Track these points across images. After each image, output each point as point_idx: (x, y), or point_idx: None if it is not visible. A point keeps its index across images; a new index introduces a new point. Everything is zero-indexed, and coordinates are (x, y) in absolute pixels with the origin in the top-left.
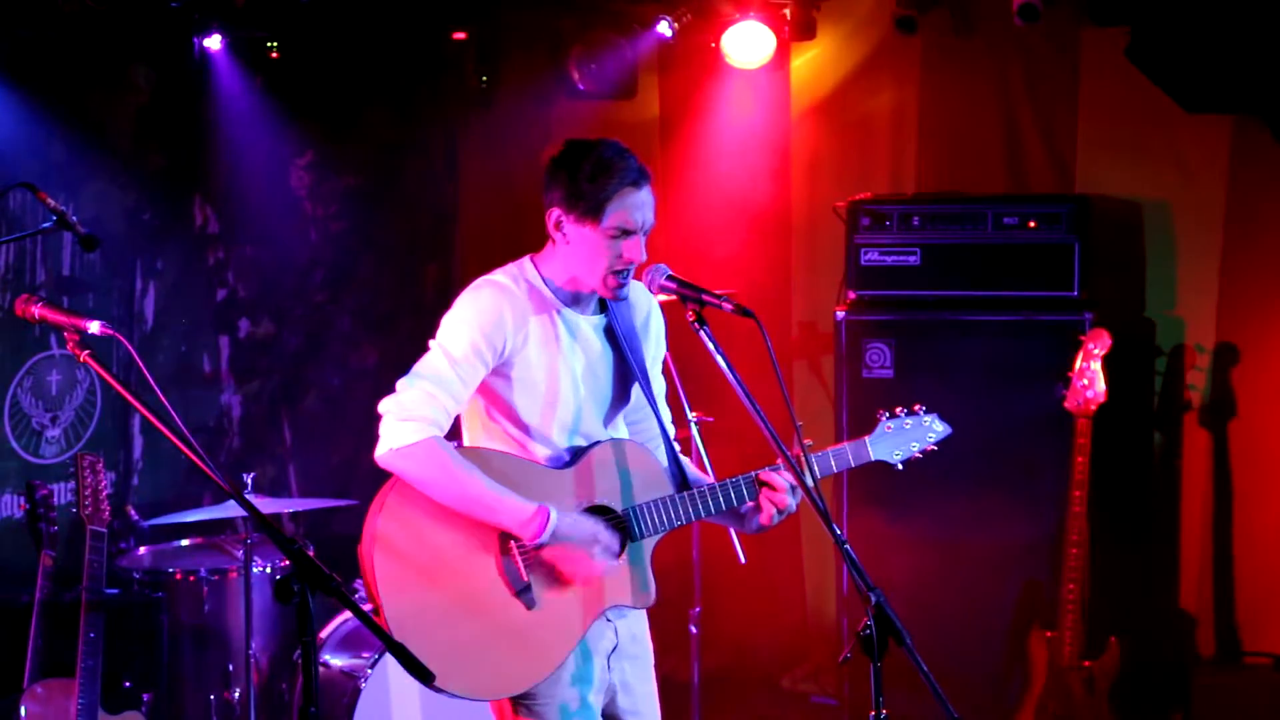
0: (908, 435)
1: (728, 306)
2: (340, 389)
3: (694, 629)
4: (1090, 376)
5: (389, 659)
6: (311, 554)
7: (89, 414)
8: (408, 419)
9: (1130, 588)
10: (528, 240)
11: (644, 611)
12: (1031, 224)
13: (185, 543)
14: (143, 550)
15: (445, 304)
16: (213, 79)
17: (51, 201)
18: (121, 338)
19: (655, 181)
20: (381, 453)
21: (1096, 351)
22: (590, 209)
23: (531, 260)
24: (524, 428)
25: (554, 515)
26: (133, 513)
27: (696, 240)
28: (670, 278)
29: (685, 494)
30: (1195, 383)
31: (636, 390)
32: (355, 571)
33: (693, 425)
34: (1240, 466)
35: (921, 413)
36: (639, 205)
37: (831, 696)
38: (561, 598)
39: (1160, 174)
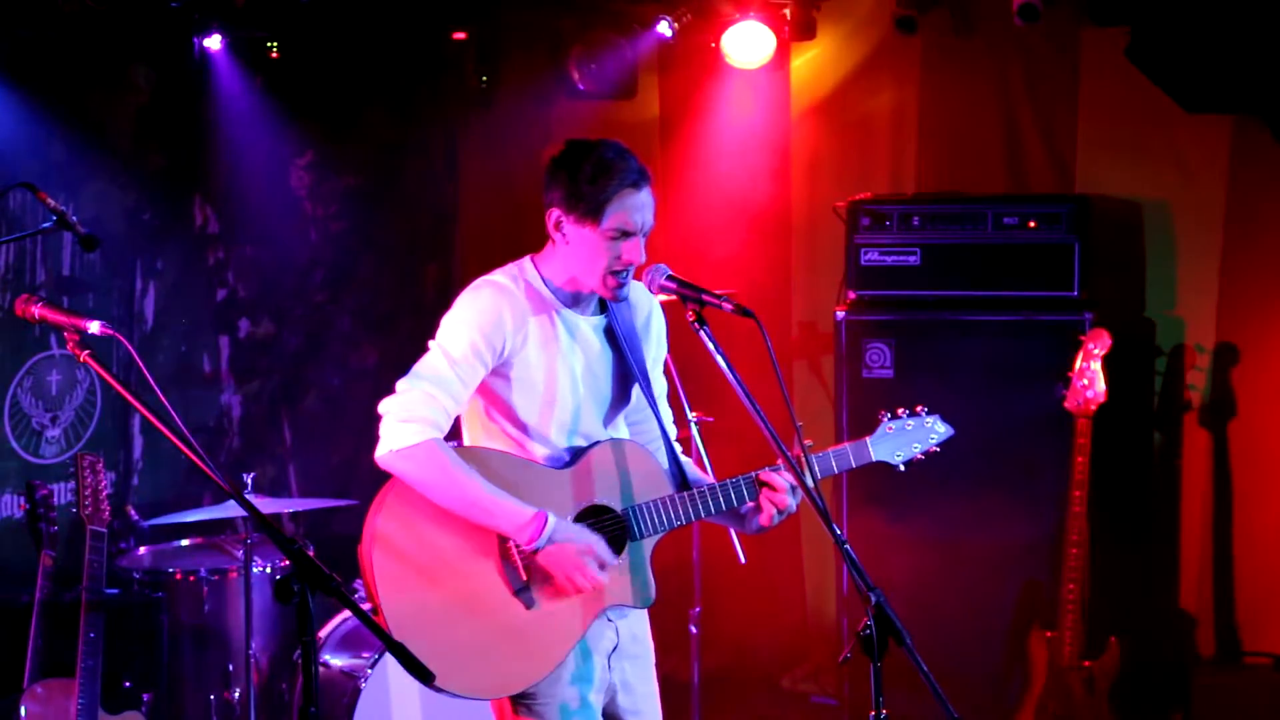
0: (909, 436)
1: (728, 306)
2: (340, 389)
3: (694, 629)
4: (1090, 376)
5: (389, 659)
6: (311, 554)
7: (89, 414)
8: (408, 420)
9: (1130, 588)
10: (528, 240)
11: (645, 611)
12: (1031, 224)
13: (185, 543)
14: (143, 550)
15: (445, 304)
16: (213, 79)
17: (51, 201)
18: (121, 338)
19: (655, 181)
20: (381, 453)
21: (1096, 351)
22: (590, 210)
23: (531, 260)
24: (523, 427)
25: (551, 521)
26: (133, 513)
27: (696, 240)
28: (670, 278)
29: (685, 494)
30: (1195, 383)
31: (637, 391)
32: (355, 571)
33: (693, 425)
34: (1240, 466)
35: (923, 414)
36: (639, 207)
37: (831, 696)
38: (561, 597)
39: (1160, 174)
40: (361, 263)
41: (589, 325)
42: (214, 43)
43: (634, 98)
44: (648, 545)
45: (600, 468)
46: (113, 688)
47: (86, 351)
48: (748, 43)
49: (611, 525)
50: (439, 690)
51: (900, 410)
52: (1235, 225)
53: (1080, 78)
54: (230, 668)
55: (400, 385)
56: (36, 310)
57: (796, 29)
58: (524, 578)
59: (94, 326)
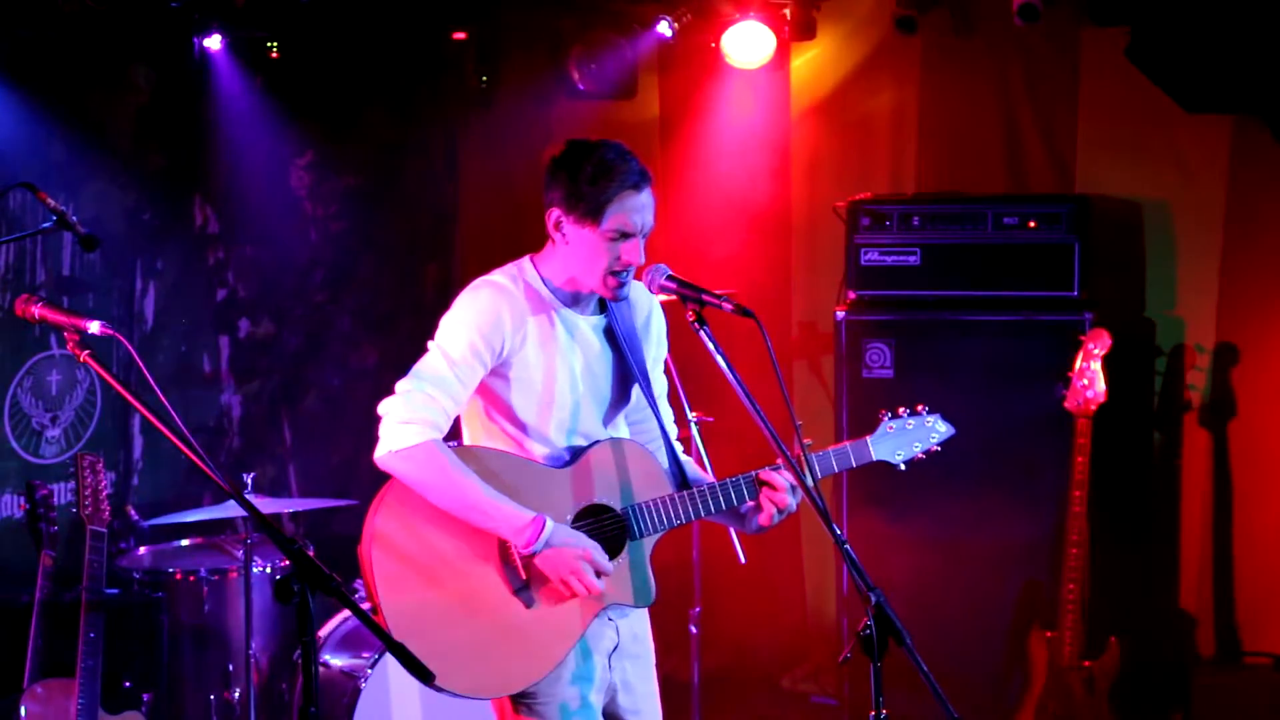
0: (910, 435)
1: (728, 306)
2: (340, 389)
3: (694, 629)
4: (1090, 376)
5: (389, 659)
6: (311, 554)
7: (89, 414)
8: (407, 421)
9: (1130, 588)
10: (528, 240)
11: (645, 610)
12: (1031, 224)
13: (185, 543)
14: (143, 550)
15: (445, 304)
16: (213, 79)
17: (51, 201)
18: (121, 338)
19: (655, 181)
20: (380, 454)
21: (1096, 351)
22: (590, 211)
23: (531, 260)
24: (522, 427)
25: (549, 525)
26: (133, 513)
27: (696, 240)
28: (670, 278)
29: (685, 493)
30: (1195, 383)
31: (637, 390)
32: (355, 571)
33: (693, 425)
34: (1240, 466)
35: (924, 413)
36: (639, 208)
37: (831, 696)
38: (560, 596)
39: (1160, 174)
40: (361, 263)
41: (588, 325)
42: (214, 43)
43: (634, 98)
44: (648, 544)
45: (600, 467)
46: (113, 688)
47: (86, 351)
48: (748, 43)
49: (611, 524)
50: (439, 690)
51: (901, 409)
52: (1235, 225)
53: (1080, 78)
54: (230, 668)
55: (399, 386)
56: (36, 310)
57: (796, 29)
58: (524, 577)
59: (94, 326)
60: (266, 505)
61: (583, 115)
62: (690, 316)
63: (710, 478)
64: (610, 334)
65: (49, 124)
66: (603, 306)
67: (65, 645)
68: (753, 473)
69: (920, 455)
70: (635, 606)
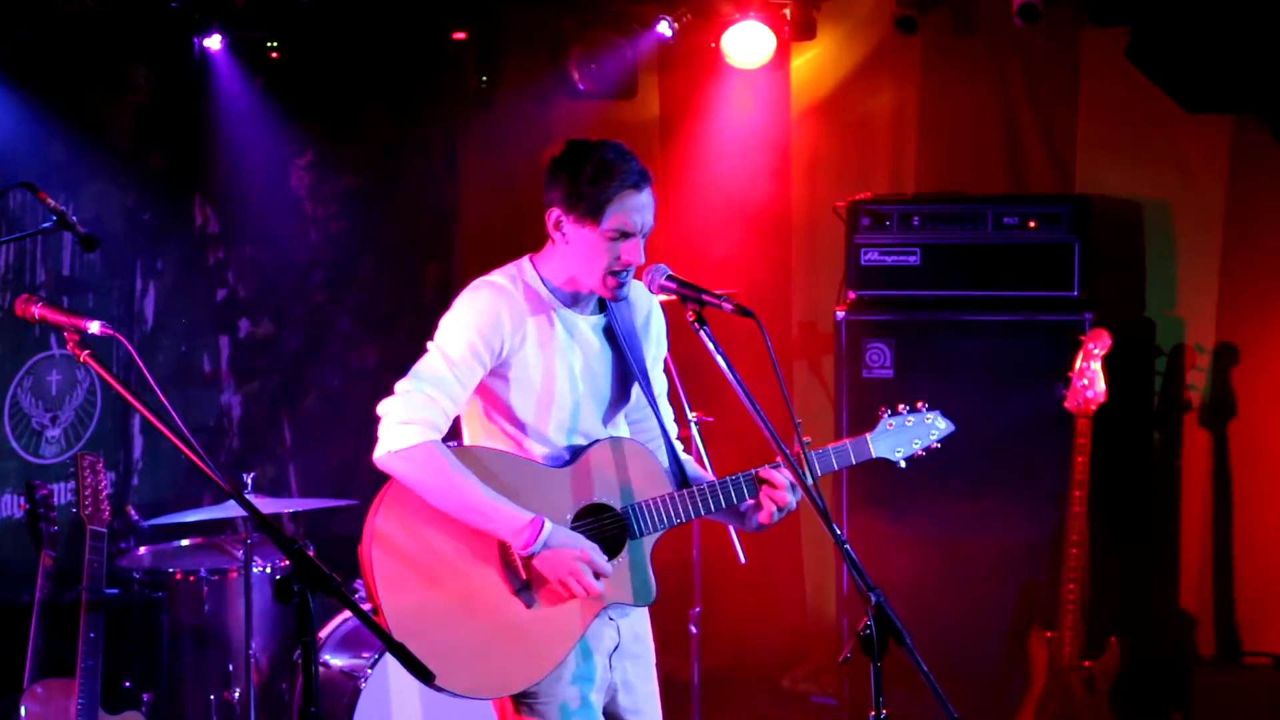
0: (910, 432)
1: (728, 306)
2: (340, 389)
3: (694, 629)
4: (1090, 376)
5: (389, 659)
6: (311, 554)
7: (89, 414)
8: (406, 422)
9: (1130, 588)
10: (528, 240)
11: (646, 610)
12: (1031, 224)
13: (185, 543)
14: (143, 550)
15: (445, 304)
16: (213, 79)
17: (51, 201)
18: (121, 338)
19: (655, 182)
20: (380, 455)
21: (1096, 351)
22: (590, 210)
23: (530, 260)
24: (521, 427)
25: (548, 527)
26: (133, 513)
27: (696, 240)
28: (670, 278)
29: (685, 491)
30: (1195, 383)
31: (636, 389)
32: (355, 571)
33: (693, 425)
34: (1240, 466)
35: (924, 409)
36: (639, 208)
37: (831, 696)
38: (561, 597)
39: (1160, 174)
40: (361, 263)
41: (588, 324)
42: (214, 43)
43: (634, 98)
44: (648, 543)
45: (599, 466)
46: (113, 688)
47: (86, 351)
48: (748, 43)
49: (611, 524)
50: (439, 690)
51: (901, 406)
52: (1235, 225)
53: (1080, 78)
54: (230, 668)
55: (399, 387)
56: (36, 310)
57: (796, 29)
58: (524, 577)
59: (94, 326)
60: (266, 505)
61: (583, 115)
62: (690, 316)
63: (710, 476)
64: (610, 333)
65: (49, 124)
66: (602, 306)
67: (65, 645)
68: (752, 471)
69: (920, 452)
70: (635, 606)
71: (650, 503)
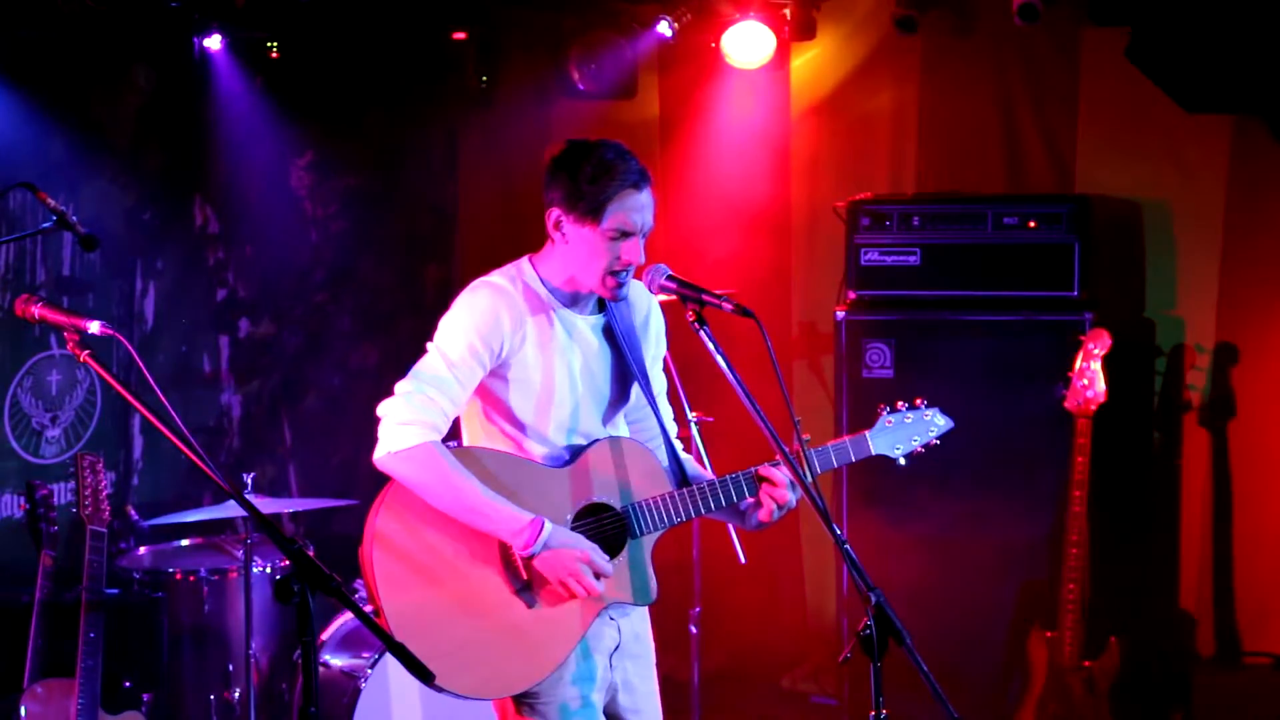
0: (909, 429)
1: (728, 306)
2: (340, 389)
3: (694, 629)
4: (1090, 376)
5: (389, 659)
6: (311, 554)
7: (89, 414)
8: (406, 422)
9: (1130, 588)
10: (528, 240)
11: (646, 610)
12: (1031, 224)
13: (185, 543)
14: (143, 550)
15: (445, 304)
16: (213, 79)
17: (51, 201)
18: (121, 338)
19: (655, 182)
20: (380, 456)
21: (1096, 351)
22: (590, 210)
23: (530, 260)
24: (521, 427)
25: (547, 527)
26: (133, 513)
27: (696, 240)
28: (670, 278)
29: (685, 491)
30: (1195, 383)
31: (636, 389)
32: (355, 571)
33: (693, 425)
34: (1240, 466)
35: (923, 406)
36: (639, 207)
37: (831, 696)
38: (561, 597)
39: (1160, 174)
40: (361, 263)
41: (587, 324)
42: (214, 43)
43: (634, 98)
44: (648, 543)
45: (599, 466)
46: (113, 688)
47: (86, 351)
48: (748, 43)
49: (611, 523)
50: (440, 690)
51: (900, 403)
52: (1235, 225)
53: (1080, 78)
54: (230, 668)
55: (399, 387)
56: (36, 310)
57: (796, 29)
58: (524, 577)
59: (94, 326)
60: (266, 505)
61: (583, 115)
62: (690, 316)
63: (710, 475)
64: (609, 333)
65: (49, 124)
66: (601, 306)
67: (65, 645)
68: (752, 469)
69: (919, 449)
70: (636, 605)
71: (650, 502)
